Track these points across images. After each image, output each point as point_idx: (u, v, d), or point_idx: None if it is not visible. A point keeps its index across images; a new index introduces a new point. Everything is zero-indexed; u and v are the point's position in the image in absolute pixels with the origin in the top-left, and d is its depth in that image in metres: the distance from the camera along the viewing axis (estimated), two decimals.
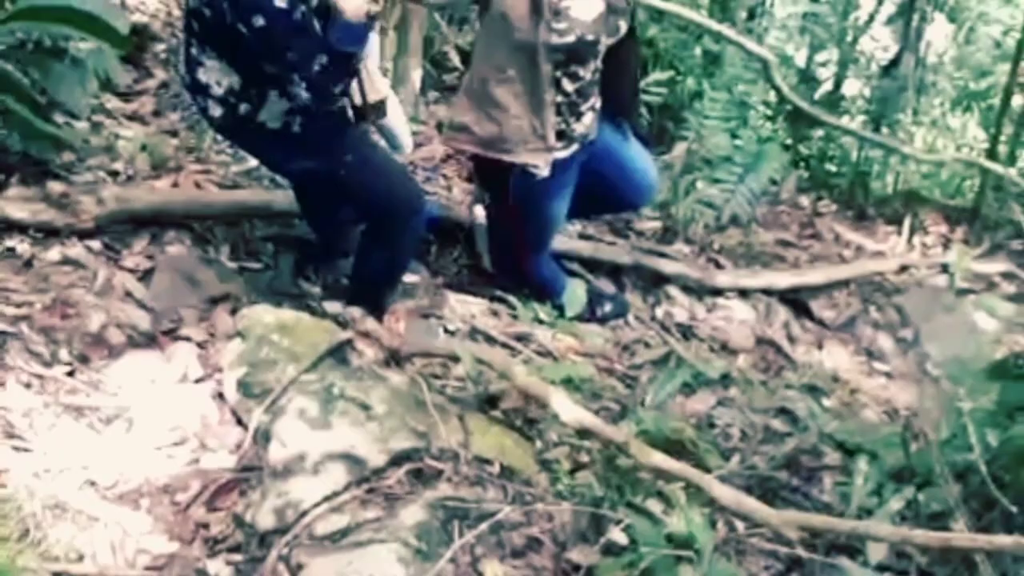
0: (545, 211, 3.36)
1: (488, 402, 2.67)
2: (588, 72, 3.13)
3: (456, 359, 2.70)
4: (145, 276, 3.10)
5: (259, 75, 2.71)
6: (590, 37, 3.04)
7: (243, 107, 2.77)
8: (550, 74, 3.06)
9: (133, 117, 3.99)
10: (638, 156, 3.56)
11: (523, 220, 3.36)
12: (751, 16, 5.93)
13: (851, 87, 6.72)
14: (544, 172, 3.16)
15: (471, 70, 3.18)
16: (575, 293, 3.22)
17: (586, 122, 3.22)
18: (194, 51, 2.75)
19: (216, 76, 2.74)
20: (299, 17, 2.55)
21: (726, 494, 2.14)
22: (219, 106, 2.78)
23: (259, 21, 2.52)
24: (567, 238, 3.87)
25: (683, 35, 5.24)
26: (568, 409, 2.32)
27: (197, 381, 2.71)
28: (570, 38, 3.00)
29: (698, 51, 5.45)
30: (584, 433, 2.42)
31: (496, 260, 3.62)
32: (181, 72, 2.89)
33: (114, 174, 3.52)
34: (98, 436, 2.48)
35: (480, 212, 3.63)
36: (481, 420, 2.57)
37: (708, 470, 2.45)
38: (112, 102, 4.02)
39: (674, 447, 2.48)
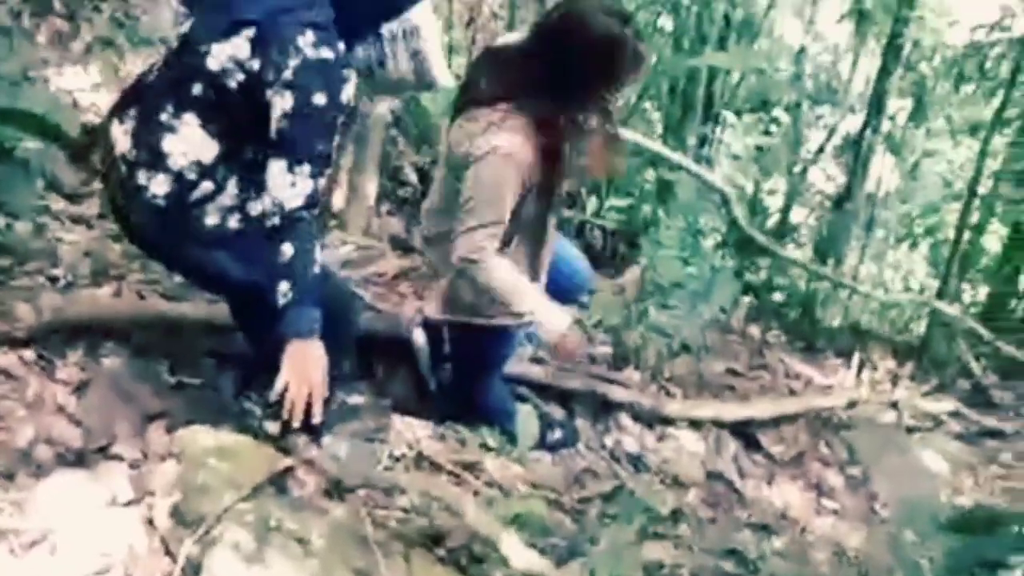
0: (510, 346, 3.36)
1: (433, 539, 2.56)
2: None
3: (401, 491, 2.60)
4: (79, 389, 2.96)
5: (239, 153, 2.61)
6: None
7: (204, 184, 2.60)
8: (553, 230, 3.18)
9: (78, 220, 3.87)
10: (566, 247, 3.58)
11: (487, 357, 3.34)
12: (702, 144, 6.02)
13: (797, 215, 6.83)
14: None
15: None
16: (527, 423, 3.14)
17: None
18: (163, 117, 2.59)
19: (185, 147, 2.58)
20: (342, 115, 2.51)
21: None
22: (170, 181, 2.59)
23: (319, 100, 2.46)
24: (518, 361, 3.80)
25: (638, 160, 5.28)
26: (519, 553, 2.23)
27: (127, 504, 2.57)
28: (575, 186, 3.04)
29: (652, 177, 5.51)
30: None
31: (449, 385, 3.54)
32: (117, 145, 2.67)
33: (54, 280, 3.40)
34: (18, 561, 2.33)
35: (420, 335, 3.56)
36: (425, 558, 2.47)
37: None
38: (58, 203, 3.91)
39: None
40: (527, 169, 2.93)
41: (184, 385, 3.16)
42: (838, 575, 3.42)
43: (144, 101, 2.66)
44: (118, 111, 2.73)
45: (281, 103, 2.48)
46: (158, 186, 2.60)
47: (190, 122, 2.58)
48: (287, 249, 2.52)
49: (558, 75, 2.93)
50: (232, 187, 2.64)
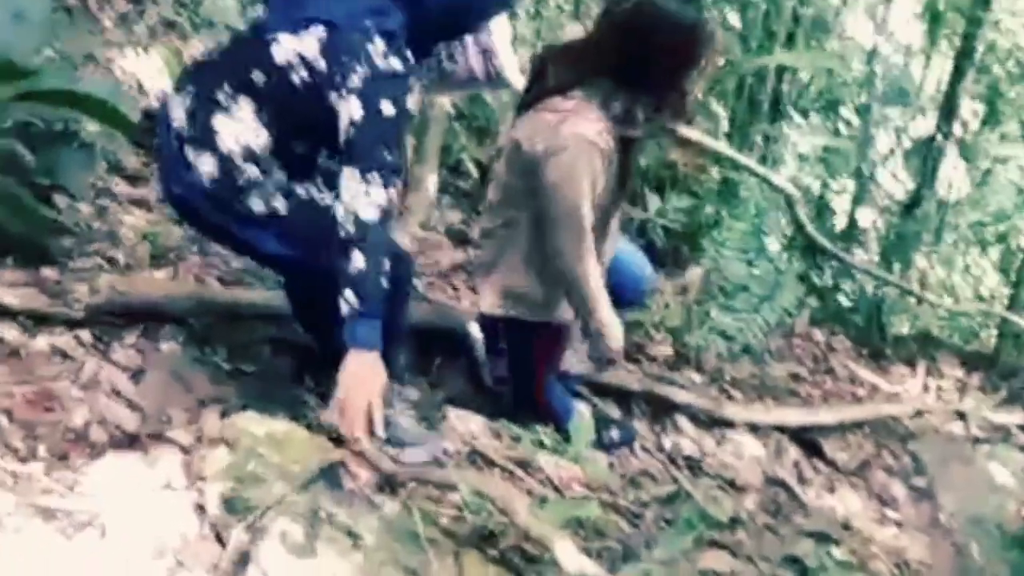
0: (568, 340, 3.35)
1: (485, 538, 2.52)
2: None
3: (454, 488, 2.55)
4: (135, 372, 2.95)
5: (289, 146, 2.62)
6: None
7: (251, 170, 2.61)
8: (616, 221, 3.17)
9: (139, 203, 3.89)
10: (628, 249, 3.53)
11: (546, 350, 3.32)
12: (768, 143, 5.93)
13: (864, 218, 6.70)
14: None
15: (527, 242, 3.13)
16: (584, 423, 3.09)
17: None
18: (220, 97, 2.60)
19: (238, 129, 2.59)
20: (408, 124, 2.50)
21: None
22: (218, 162, 2.60)
23: (387, 110, 2.47)
24: (577, 360, 3.75)
25: (702, 160, 5.20)
26: (573, 558, 2.17)
27: (178, 490, 2.55)
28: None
29: (716, 176, 5.42)
30: None
31: (506, 381, 3.50)
32: (173, 119, 2.69)
33: (113, 261, 3.41)
34: (68, 542, 2.31)
35: (476, 328, 3.52)
36: (476, 559, 2.42)
37: None
38: (119, 186, 3.93)
39: None
40: (608, 156, 2.89)
41: (240, 372, 3.14)
42: None
43: (205, 78, 2.66)
44: (179, 87, 2.73)
45: (348, 110, 2.49)
46: (206, 165, 2.61)
47: (245, 107, 2.58)
48: (357, 258, 2.50)
49: (632, 63, 2.90)
50: (278, 175, 2.64)
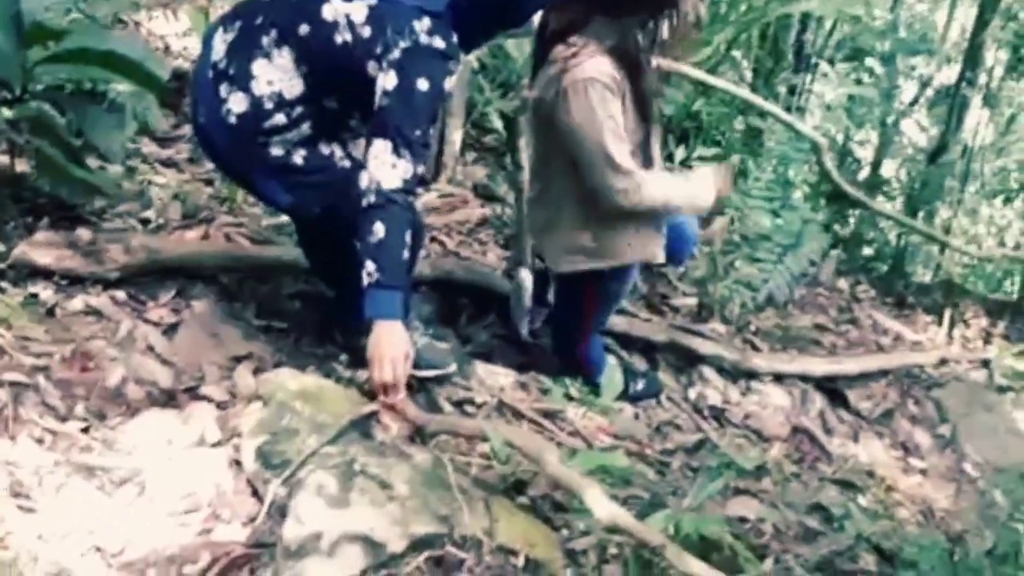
0: (621, 288, 3.37)
1: (515, 487, 2.56)
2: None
3: (484, 438, 2.59)
4: (169, 330, 3.01)
5: (320, 101, 2.65)
6: None
7: (278, 117, 2.65)
8: (658, 154, 3.19)
9: (168, 163, 3.93)
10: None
11: (597, 300, 3.34)
12: (792, 93, 5.90)
13: (889, 168, 6.67)
14: (662, 257, 3.22)
15: (566, 190, 3.14)
16: (612, 374, 3.13)
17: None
18: (263, 40, 2.64)
19: (274, 75, 2.63)
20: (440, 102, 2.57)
21: None
22: (248, 102, 2.64)
23: (422, 85, 2.51)
24: None
25: (727, 110, 5.19)
26: (603, 505, 2.20)
27: (214, 445, 2.60)
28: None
29: (741, 126, 5.41)
30: (614, 528, 2.30)
31: (557, 333, 3.54)
32: (214, 52, 2.72)
33: (145, 222, 3.45)
34: (108, 499, 2.37)
35: (527, 278, 3.53)
36: (507, 506, 2.46)
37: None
38: (149, 147, 3.97)
39: (709, 549, 2.36)
40: (618, 88, 2.94)
41: (271, 328, 3.19)
42: (925, 534, 3.35)
43: (251, 19, 2.69)
44: (226, 22, 2.78)
45: (384, 81, 2.52)
46: (236, 103, 2.65)
47: (286, 56, 2.62)
48: (379, 229, 2.54)
49: None
50: (305, 128, 2.67)
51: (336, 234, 2.82)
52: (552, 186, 3.19)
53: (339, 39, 2.59)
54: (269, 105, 2.64)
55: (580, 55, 2.94)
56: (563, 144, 3.02)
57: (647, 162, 3.15)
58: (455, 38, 2.62)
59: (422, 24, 2.54)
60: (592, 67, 2.92)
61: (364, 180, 2.58)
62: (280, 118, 2.65)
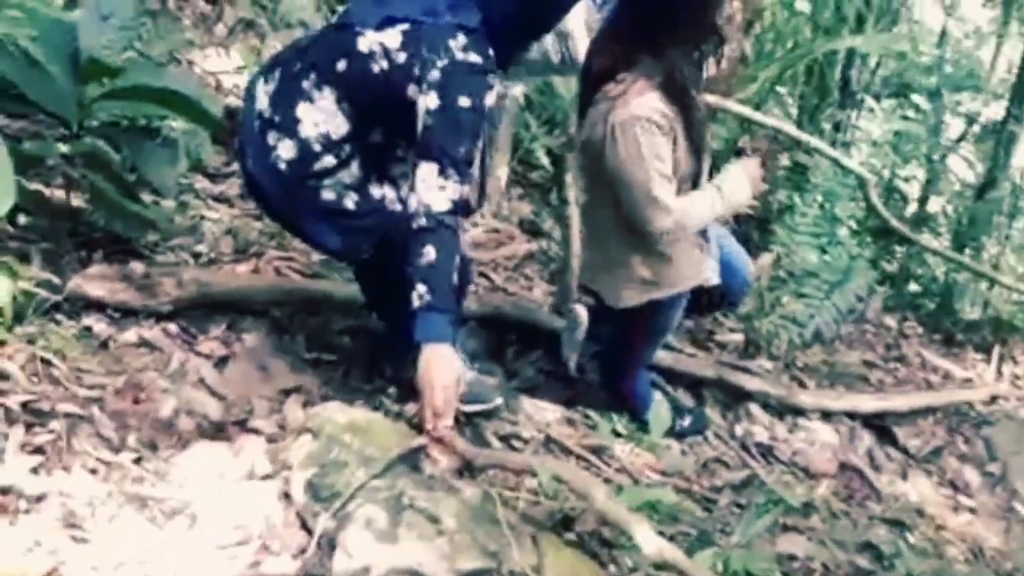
0: (670, 321, 3.35)
1: (563, 523, 2.56)
2: None
3: (532, 473, 2.59)
4: (220, 363, 3.04)
5: (367, 135, 2.67)
6: None
7: (327, 158, 2.68)
8: None
9: (220, 199, 3.98)
10: (735, 247, 3.53)
11: (646, 334, 3.35)
12: (837, 129, 5.89)
13: (935, 204, 6.62)
14: (715, 278, 3.23)
15: (619, 226, 3.16)
16: (660, 410, 3.13)
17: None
18: (304, 84, 2.68)
19: (318, 116, 2.66)
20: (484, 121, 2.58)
21: None
22: (296, 148, 2.68)
23: (464, 103, 2.52)
24: None
25: (774, 146, 5.18)
26: (651, 541, 2.20)
27: (264, 478, 2.62)
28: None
29: (787, 162, 5.40)
30: (663, 565, 2.29)
31: (605, 368, 3.54)
32: (258, 102, 2.78)
33: (197, 256, 3.50)
34: (159, 531, 2.39)
35: (584, 313, 3.53)
36: (555, 541, 2.45)
37: None
38: (201, 183, 4.02)
39: None
40: (669, 124, 2.94)
41: (320, 362, 3.21)
42: (975, 573, 3.31)
43: (290, 66, 2.73)
44: (266, 72, 2.82)
45: (426, 102, 2.53)
46: (285, 150, 2.69)
47: (327, 96, 2.65)
48: (430, 251, 2.55)
49: (659, 23, 2.95)
50: (355, 168, 2.69)
51: (387, 265, 2.84)
52: (604, 224, 3.20)
53: (376, 68, 2.61)
54: (317, 148, 2.67)
55: (628, 92, 2.95)
56: (611, 181, 3.03)
57: None
58: (491, 52, 2.62)
59: (457, 42, 2.55)
60: (641, 105, 2.93)
61: (413, 203, 2.59)
62: (329, 160, 2.68)
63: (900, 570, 3.03)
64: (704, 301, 3.46)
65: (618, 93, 2.97)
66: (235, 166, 4.18)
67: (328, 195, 2.71)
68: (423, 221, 2.56)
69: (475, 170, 2.67)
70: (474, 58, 2.56)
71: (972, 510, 3.88)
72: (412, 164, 2.64)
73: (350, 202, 2.73)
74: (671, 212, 2.98)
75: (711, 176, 3.23)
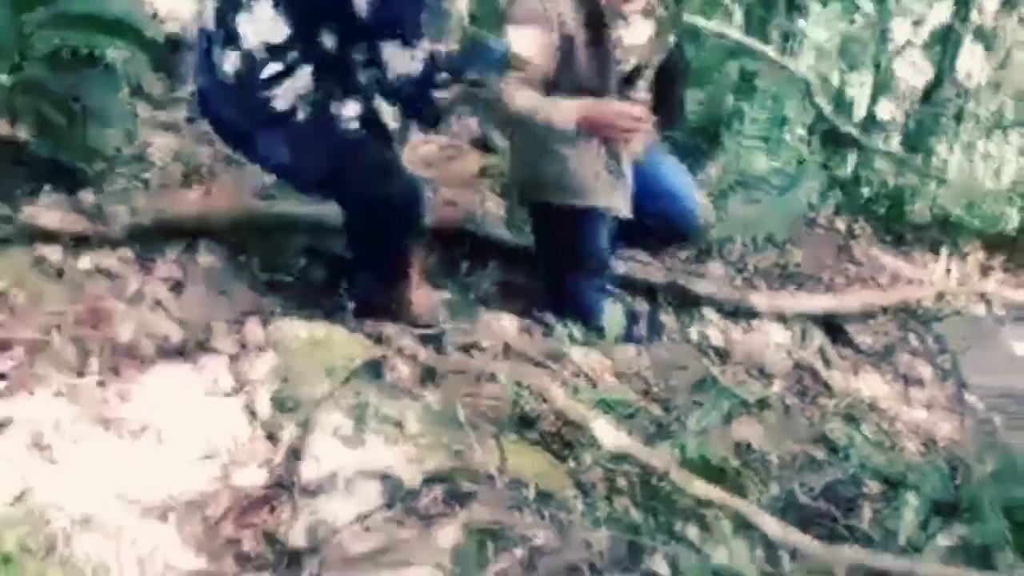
0: (587, 239, 3.37)
1: (523, 423, 2.62)
2: (641, 92, 3.15)
3: (492, 377, 2.65)
4: (176, 287, 3.06)
5: (314, 40, 2.69)
6: (644, 60, 3.06)
7: (273, 65, 2.69)
8: None
9: (166, 126, 3.96)
10: (682, 183, 3.56)
11: (574, 248, 3.37)
12: (785, 39, 5.90)
13: (884, 110, 6.67)
14: (625, 211, 3.26)
15: (528, 128, 3.17)
16: (614, 316, 3.17)
17: (637, 144, 3.23)
18: None
19: (258, 26, 2.67)
20: None
21: (773, 527, 2.07)
22: (241, 58, 2.70)
23: None
24: None
25: (720, 54, 5.19)
26: (609, 434, 2.27)
27: (227, 395, 2.65)
28: (627, 67, 3.02)
29: (734, 70, 5.42)
30: (621, 457, 2.36)
31: (544, 281, 3.60)
32: (204, 19, 2.79)
33: (146, 183, 3.49)
34: (126, 448, 2.42)
35: None
36: (516, 441, 2.51)
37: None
38: (145, 111, 3.99)
39: (715, 475, 2.42)
40: (554, 17, 2.98)
41: (277, 282, 3.23)
42: (928, 462, 3.41)
43: None
44: None
45: None
46: (230, 62, 2.70)
47: (264, 3, 2.63)
48: (440, 92, 2.75)
49: None
50: (305, 75, 2.69)
51: (343, 196, 2.87)
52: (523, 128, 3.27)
53: None
54: (262, 56, 2.67)
55: None
56: None
57: None
58: None
59: None
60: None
61: (391, 76, 2.70)
62: (276, 65, 2.68)
63: (854, 461, 3.10)
64: (653, 237, 3.66)
65: None
66: (179, 92, 4.16)
67: (280, 104, 2.71)
68: (410, 89, 2.70)
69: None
70: None
71: (924, 404, 3.97)
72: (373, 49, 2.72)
73: (302, 113, 2.73)
74: (506, 91, 3.05)
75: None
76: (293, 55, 2.69)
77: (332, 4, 2.63)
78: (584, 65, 3.06)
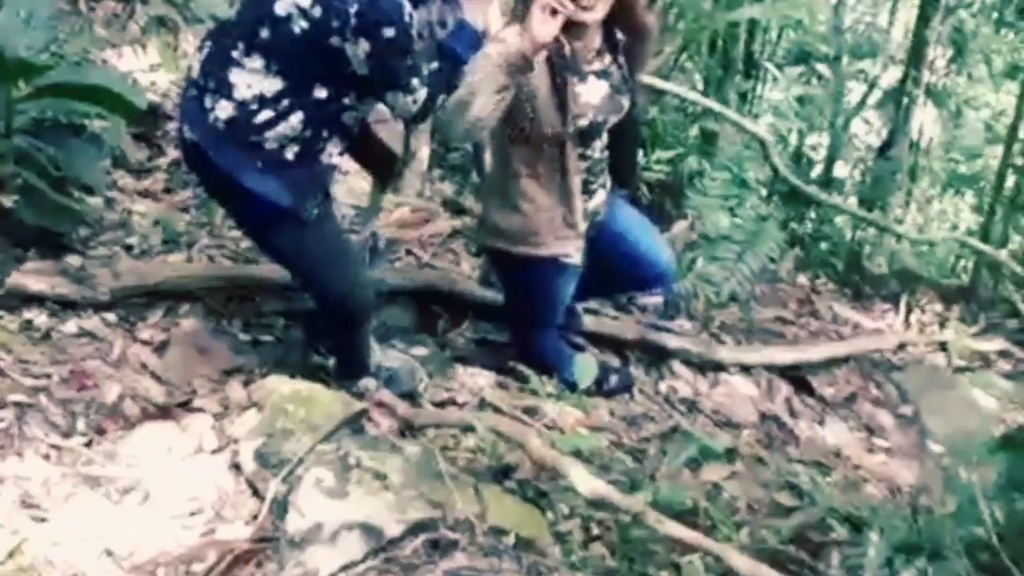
0: (547, 289, 3.43)
1: (502, 472, 2.70)
2: (597, 151, 3.24)
3: (470, 429, 2.73)
4: (160, 348, 3.13)
5: (307, 91, 2.78)
6: (600, 118, 3.14)
7: (265, 113, 2.75)
8: (576, 162, 3.19)
9: (146, 194, 4.04)
10: (652, 238, 3.66)
11: (533, 299, 3.45)
12: (743, 99, 6.08)
13: (841, 169, 6.85)
14: (576, 259, 3.30)
15: (493, 170, 3.27)
16: (587, 366, 3.25)
17: (596, 200, 3.32)
18: (234, 54, 2.75)
19: (251, 79, 2.74)
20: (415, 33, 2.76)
21: (745, 565, 2.15)
22: (233, 107, 2.76)
23: (389, 33, 2.65)
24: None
25: (681, 116, 5.35)
26: (585, 480, 2.35)
27: (213, 452, 2.72)
28: (583, 122, 3.10)
29: (695, 131, 5.58)
30: (597, 504, 2.44)
31: (511, 335, 3.67)
32: (194, 70, 2.86)
33: (128, 248, 3.57)
34: (114, 506, 2.49)
35: None
36: (495, 491, 2.59)
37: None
38: (125, 179, 4.08)
39: (687, 518, 2.50)
40: (515, 59, 2.93)
41: (257, 342, 3.31)
42: (892, 507, 3.49)
43: (218, 39, 2.84)
44: (200, 48, 2.92)
45: (357, 50, 2.67)
46: (223, 110, 2.77)
47: (256, 61, 2.73)
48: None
49: None
50: (296, 120, 2.77)
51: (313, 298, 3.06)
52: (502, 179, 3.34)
53: (297, 29, 2.70)
54: (254, 106, 2.75)
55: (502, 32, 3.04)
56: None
57: (562, 171, 3.21)
58: None
59: None
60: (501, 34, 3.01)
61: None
62: (268, 114, 2.75)
63: (822, 504, 3.19)
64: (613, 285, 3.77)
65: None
66: (158, 161, 4.26)
67: (271, 146, 2.79)
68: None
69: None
70: None
71: (888, 450, 4.07)
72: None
73: (290, 153, 2.81)
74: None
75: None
76: (284, 103, 2.77)
77: (327, 63, 2.73)
78: (545, 111, 3.11)
